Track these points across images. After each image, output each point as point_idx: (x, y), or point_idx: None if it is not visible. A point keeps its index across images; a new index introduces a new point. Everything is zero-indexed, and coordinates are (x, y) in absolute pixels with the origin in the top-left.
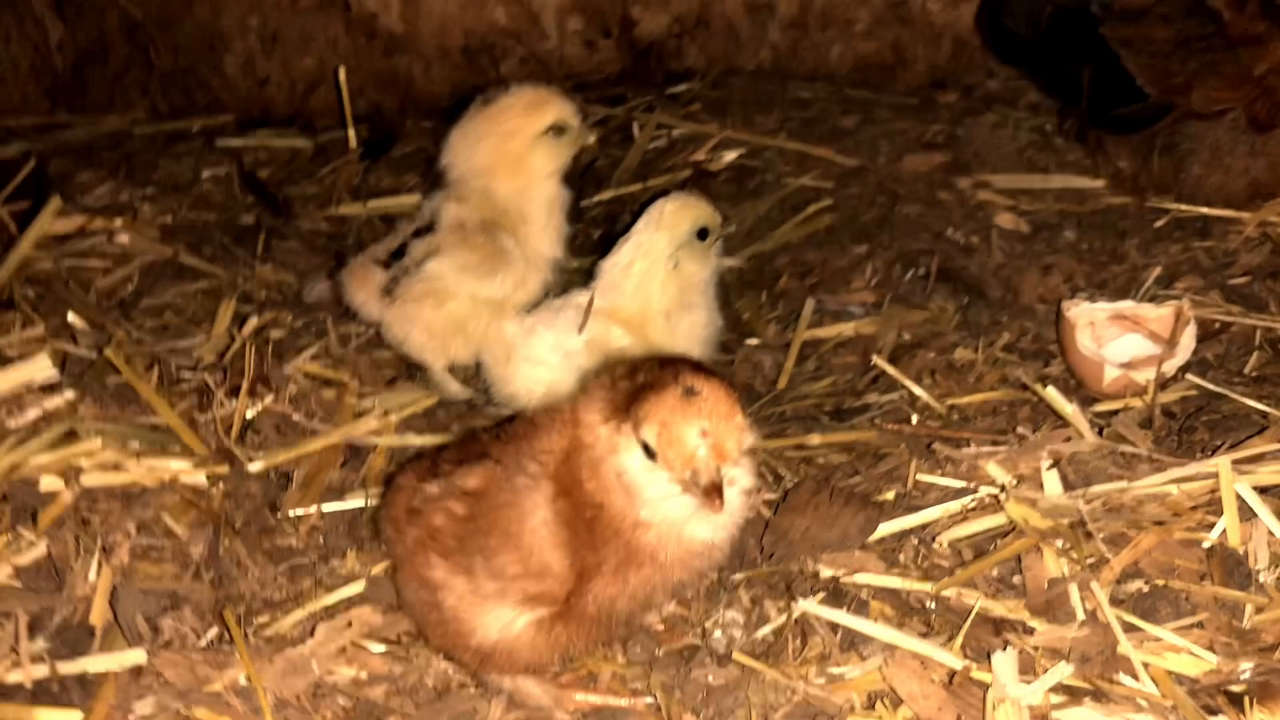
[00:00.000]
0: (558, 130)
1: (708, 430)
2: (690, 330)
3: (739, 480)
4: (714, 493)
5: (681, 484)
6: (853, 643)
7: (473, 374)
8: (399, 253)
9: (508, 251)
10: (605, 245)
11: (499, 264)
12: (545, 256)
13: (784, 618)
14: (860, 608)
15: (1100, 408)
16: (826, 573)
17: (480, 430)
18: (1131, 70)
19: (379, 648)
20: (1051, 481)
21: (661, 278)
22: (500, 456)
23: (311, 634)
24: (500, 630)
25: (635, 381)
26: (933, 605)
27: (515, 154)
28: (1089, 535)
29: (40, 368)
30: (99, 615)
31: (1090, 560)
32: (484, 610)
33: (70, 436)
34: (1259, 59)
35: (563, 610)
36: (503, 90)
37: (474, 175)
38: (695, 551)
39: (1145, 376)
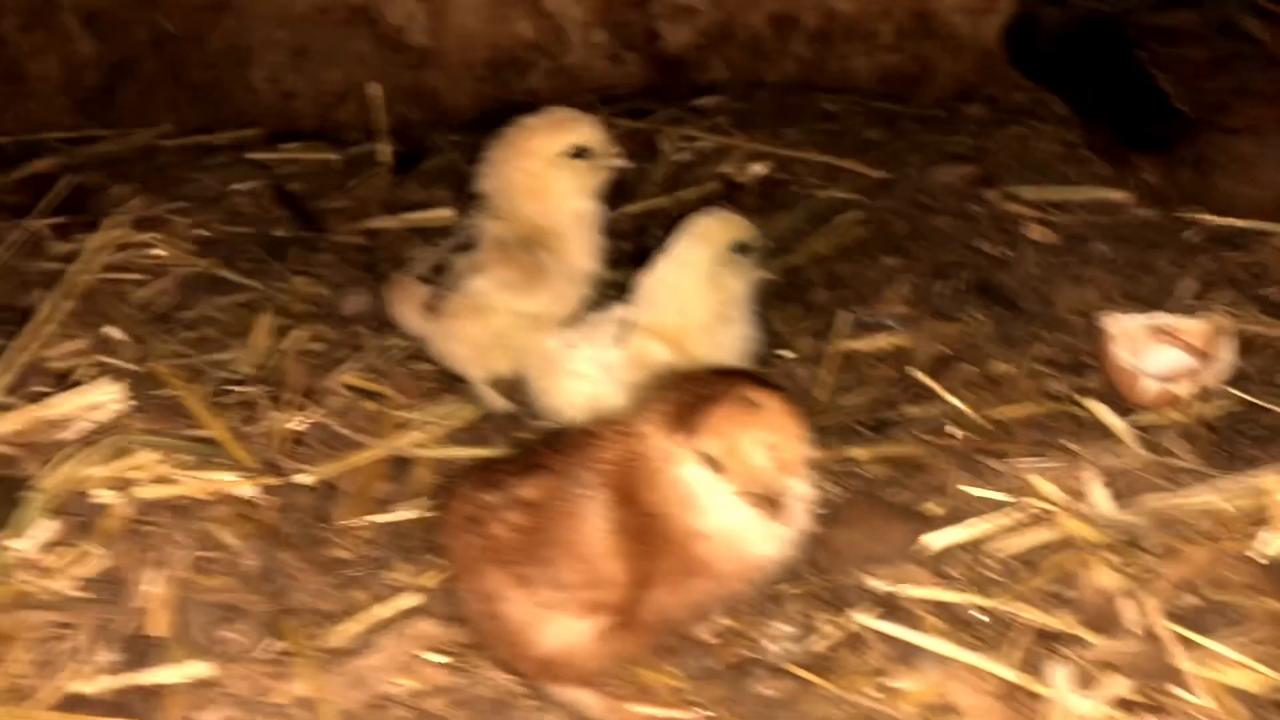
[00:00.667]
0: (580, 152)
1: (770, 441)
2: (729, 344)
3: (798, 491)
4: (778, 503)
5: (745, 496)
6: (906, 656)
7: (514, 387)
8: (441, 269)
9: (547, 267)
10: (635, 259)
11: (539, 280)
12: (582, 270)
13: (836, 631)
14: (913, 621)
15: (1140, 420)
16: (877, 586)
17: (537, 442)
18: (1165, 89)
19: (438, 659)
20: (1100, 495)
21: (702, 291)
22: (558, 467)
23: (370, 646)
24: (560, 639)
25: (695, 394)
26: (984, 618)
27: (535, 175)
28: (1140, 549)
29: (105, 392)
30: (162, 627)
31: (1142, 574)
32: (544, 620)
33: (121, 449)
34: None
35: (621, 619)
36: (535, 111)
37: (501, 195)
38: (753, 563)
39: (1185, 389)
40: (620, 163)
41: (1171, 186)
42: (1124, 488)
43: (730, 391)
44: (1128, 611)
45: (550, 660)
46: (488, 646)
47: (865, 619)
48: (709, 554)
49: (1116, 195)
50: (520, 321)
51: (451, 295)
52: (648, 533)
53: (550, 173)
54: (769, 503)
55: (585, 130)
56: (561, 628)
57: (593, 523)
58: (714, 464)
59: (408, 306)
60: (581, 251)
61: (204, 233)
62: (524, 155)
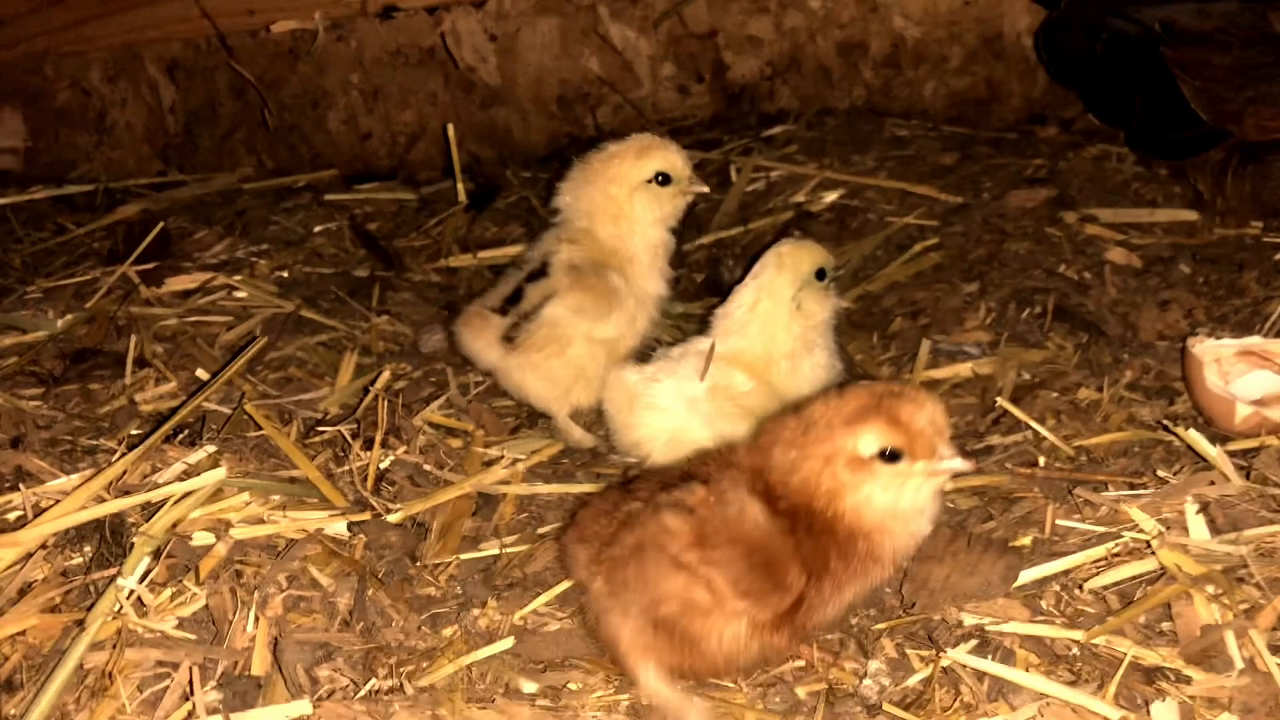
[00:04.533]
0: (663, 179)
1: (931, 417)
2: (812, 372)
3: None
4: (968, 455)
5: (927, 472)
6: (1001, 692)
7: (594, 420)
8: (514, 298)
9: (618, 290)
10: (708, 290)
11: (612, 303)
12: (651, 295)
13: (929, 667)
14: (1006, 657)
15: (1234, 446)
16: (970, 621)
17: (692, 459)
18: (1186, 95)
19: (531, 696)
20: (1198, 526)
21: (785, 319)
22: (713, 477)
23: (466, 683)
24: (728, 639)
25: (849, 403)
26: (1079, 653)
27: (617, 200)
28: (1241, 580)
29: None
30: (261, 665)
31: (1244, 606)
32: (711, 620)
33: (216, 491)
34: None
35: (783, 618)
36: (619, 139)
37: (579, 217)
38: (913, 546)
39: (1279, 414)
40: (701, 189)
41: (1220, 198)
42: (1222, 517)
43: (881, 390)
44: (1232, 646)
45: (715, 659)
46: (620, 651)
47: (958, 655)
48: (885, 544)
49: (1197, 216)
50: (595, 348)
51: (528, 325)
52: (818, 535)
53: (634, 197)
54: (963, 457)
55: (670, 157)
56: (729, 628)
57: (759, 527)
58: (891, 454)
59: (483, 340)
60: (651, 277)
61: (286, 274)
62: (609, 180)
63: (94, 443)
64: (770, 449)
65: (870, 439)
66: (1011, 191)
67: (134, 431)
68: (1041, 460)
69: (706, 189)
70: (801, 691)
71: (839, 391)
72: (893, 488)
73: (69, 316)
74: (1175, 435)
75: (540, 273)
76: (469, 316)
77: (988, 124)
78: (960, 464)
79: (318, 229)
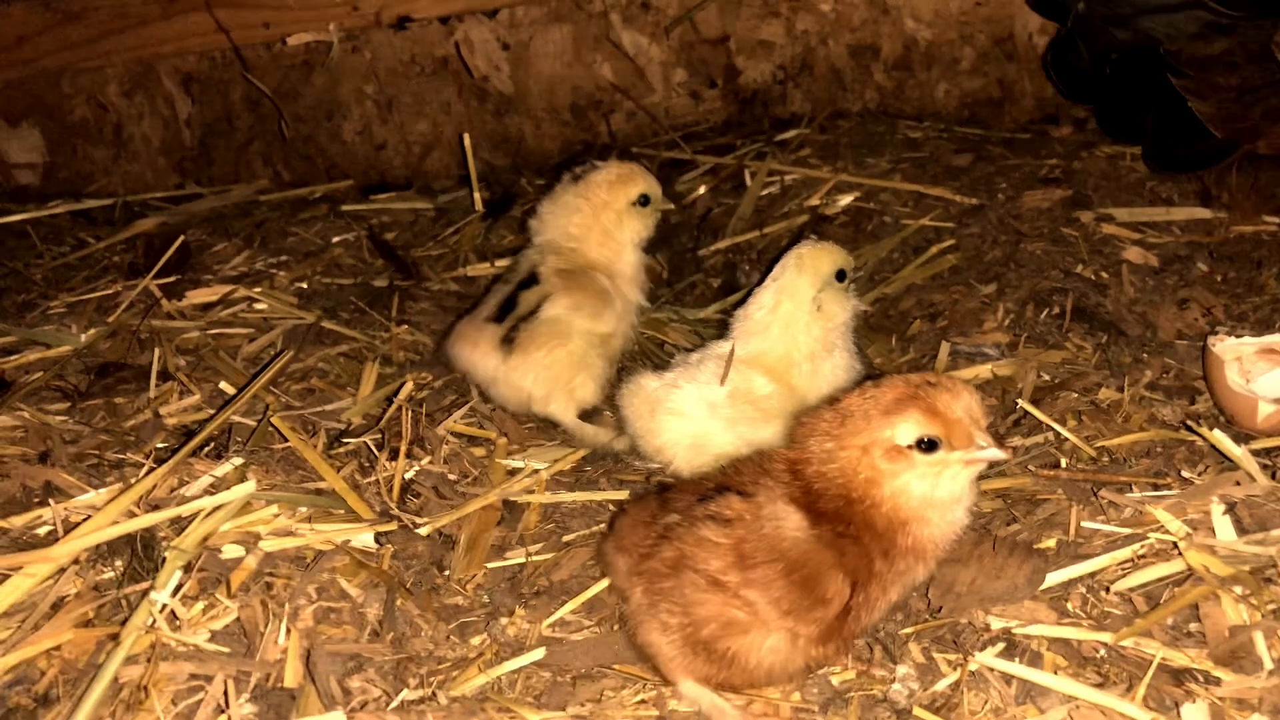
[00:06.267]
0: (644, 201)
1: (966, 406)
2: (833, 374)
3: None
4: (1004, 443)
5: (964, 460)
6: (1029, 695)
7: (599, 416)
8: (507, 307)
9: (607, 289)
10: (725, 293)
11: (605, 301)
12: (633, 304)
13: (957, 671)
14: (1034, 659)
15: (1257, 445)
16: (997, 624)
17: (728, 467)
18: (1199, 115)
19: (563, 705)
20: (1224, 526)
21: (806, 320)
22: (749, 489)
23: (497, 692)
24: (770, 655)
25: (886, 393)
26: (1107, 655)
27: (605, 225)
28: (1269, 580)
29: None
30: (294, 677)
31: (1272, 606)
32: (752, 638)
33: (245, 504)
34: None
35: (830, 629)
36: (591, 168)
37: (565, 240)
38: (952, 537)
39: None
40: (669, 206)
41: (1225, 193)
42: (1247, 517)
43: (914, 382)
44: (1261, 646)
45: (755, 671)
46: (678, 659)
47: (985, 658)
48: (929, 536)
49: (1214, 214)
50: (592, 342)
51: (528, 325)
52: (859, 538)
53: (622, 220)
54: (999, 444)
55: (649, 179)
56: (771, 640)
57: (798, 537)
58: (929, 443)
59: (479, 350)
60: (631, 286)
61: (305, 285)
62: (599, 207)
63: (121, 456)
64: (807, 440)
65: (908, 428)
66: (1026, 192)
67: (160, 445)
68: (1064, 461)
69: (674, 206)
70: (836, 681)
71: (875, 383)
72: (930, 477)
73: (92, 331)
74: (1199, 435)
75: (530, 281)
76: (462, 331)
77: (1000, 124)
78: (997, 452)
79: (336, 240)
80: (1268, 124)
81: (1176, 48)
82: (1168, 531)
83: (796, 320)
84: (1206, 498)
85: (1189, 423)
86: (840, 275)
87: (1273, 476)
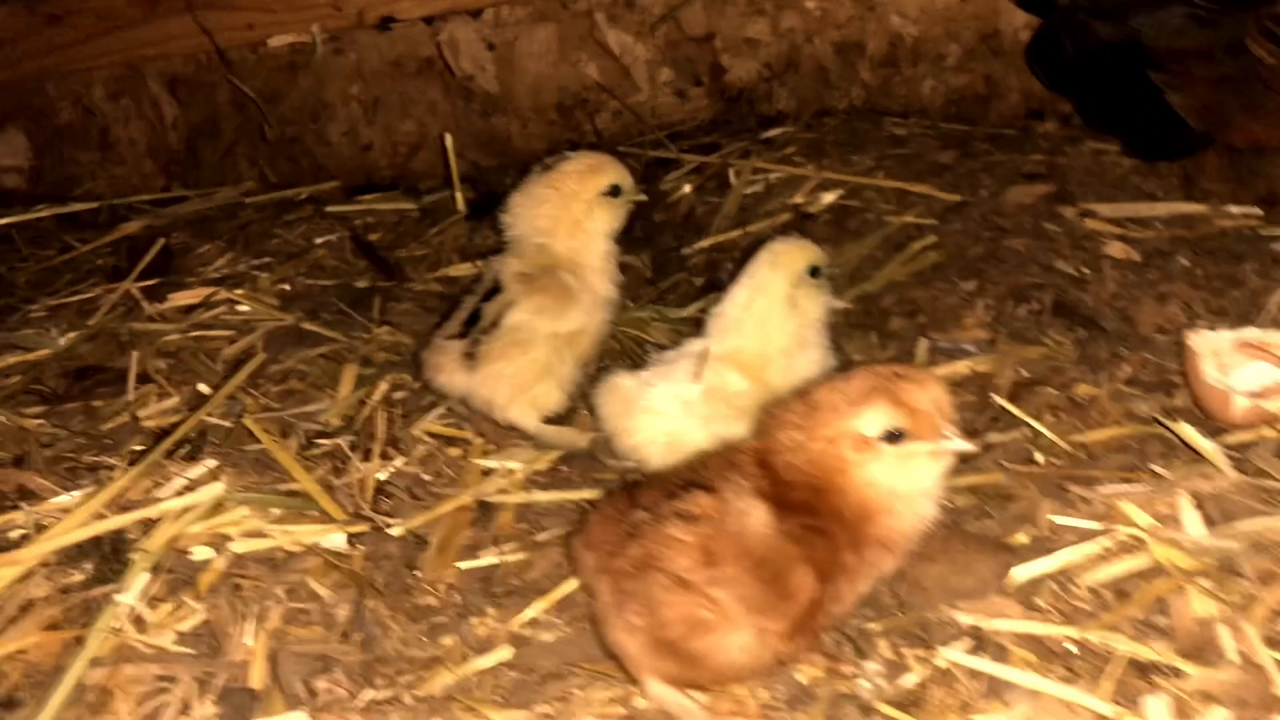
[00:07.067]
0: (614, 191)
1: (934, 397)
2: (806, 369)
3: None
4: (970, 434)
5: (932, 453)
6: (996, 690)
7: (570, 415)
8: (471, 321)
9: (571, 287)
10: (708, 293)
11: (568, 300)
12: (603, 298)
13: (925, 667)
14: (1001, 654)
15: (1231, 439)
16: (965, 620)
17: (695, 461)
18: (1175, 106)
19: (529, 704)
20: (1192, 520)
21: (780, 317)
22: (717, 483)
23: (464, 692)
24: (739, 653)
25: (853, 384)
26: (1075, 650)
27: (575, 215)
28: (1236, 574)
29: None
30: (259, 678)
31: (1238, 600)
32: (719, 636)
33: (216, 505)
34: None
35: (797, 624)
36: (561, 159)
37: (534, 234)
38: (919, 529)
39: (1277, 406)
40: (641, 198)
41: (1203, 177)
42: (1216, 511)
43: (882, 372)
44: (1225, 639)
45: (723, 668)
46: (647, 657)
47: (953, 654)
48: (897, 528)
49: (1198, 208)
50: (559, 345)
51: (489, 339)
52: (825, 532)
53: (592, 210)
54: (966, 435)
55: (620, 170)
56: (739, 638)
57: (766, 533)
58: (896, 434)
59: (446, 370)
60: (601, 280)
61: (288, 287)
62: (570, 196)
63: (97, 459)
64: (776, 432)
65: (874, 419)
66: (1010, 188)
67: (136, 448)
68: (1039, 457)
69: (646, 198)
70: (803, 678)
71: (843, 374)
72: (897, 468)
73: (72, 334)
74: (1169, 430)
75: (494, 292)
76: (431, 351)
77: (986, 120)
78: (963, 444)
79: (319, 241)
80: (1242, 116)
81: (1156, 41)
82: (1136, 526)
83: (771, 316)
84: (1175, 492)
85: (1159, 418)
86: (814, 271)
87: (1243, 471)
